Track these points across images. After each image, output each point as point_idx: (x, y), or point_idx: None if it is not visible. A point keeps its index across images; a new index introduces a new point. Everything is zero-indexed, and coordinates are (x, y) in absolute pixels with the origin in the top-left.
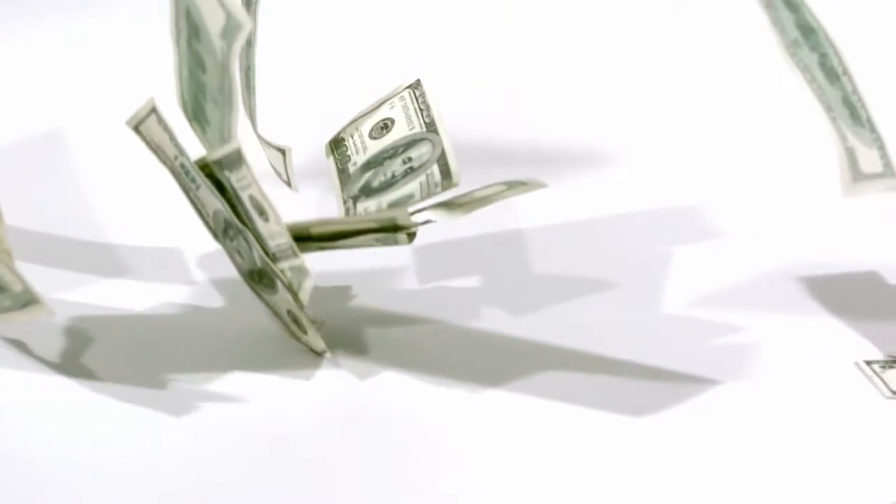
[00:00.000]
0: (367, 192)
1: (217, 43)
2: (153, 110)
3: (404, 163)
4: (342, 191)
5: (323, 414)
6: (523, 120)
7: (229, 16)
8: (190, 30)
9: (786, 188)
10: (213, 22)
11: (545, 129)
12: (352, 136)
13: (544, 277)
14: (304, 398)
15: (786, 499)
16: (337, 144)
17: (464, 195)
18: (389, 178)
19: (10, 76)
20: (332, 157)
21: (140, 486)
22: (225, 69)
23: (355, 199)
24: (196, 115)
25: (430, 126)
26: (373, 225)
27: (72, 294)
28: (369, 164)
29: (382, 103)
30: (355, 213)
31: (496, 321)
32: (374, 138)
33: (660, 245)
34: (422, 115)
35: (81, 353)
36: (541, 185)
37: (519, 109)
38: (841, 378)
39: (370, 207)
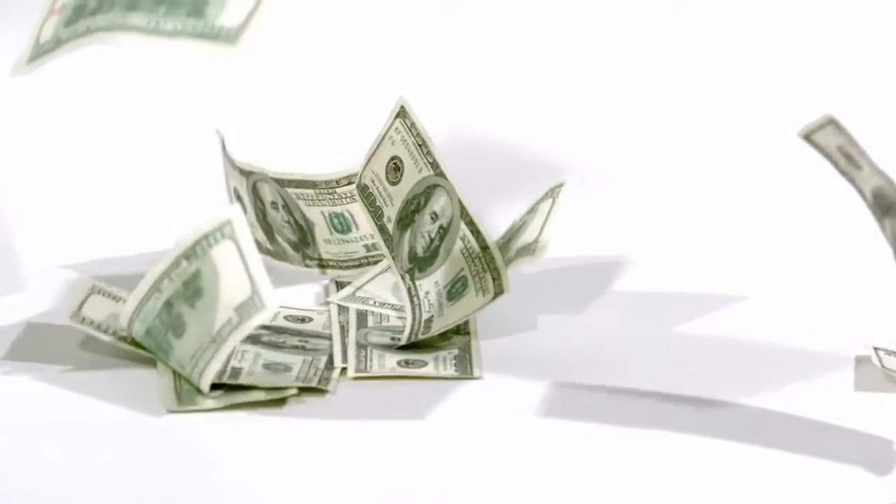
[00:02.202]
0: (418, 263)
1: (225, 313)
2: (91, 290)
3: (433, 219)
4: (393, 260)
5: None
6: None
7: (255, 294)
8: (182, 292)
9: (782, 191)
10: (233, 292)
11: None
12: (373, 182)
13: (538, 291)
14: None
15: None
16: (364, 192)
17: (521, 225)
18: (429, 242)
19: None
20: (365, 208)
21: None
22: (222, 341)
23: (411, 274)
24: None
25: (435, 167)
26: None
27: None
28: (403, 221)
29: (382, 139)
30: (416, 293)
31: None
32: (392, 183)
33: (660, 252)
34: (422, 151)
35: None
36: (572, 182)
37: (510, 119)
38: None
39: (430, 294)
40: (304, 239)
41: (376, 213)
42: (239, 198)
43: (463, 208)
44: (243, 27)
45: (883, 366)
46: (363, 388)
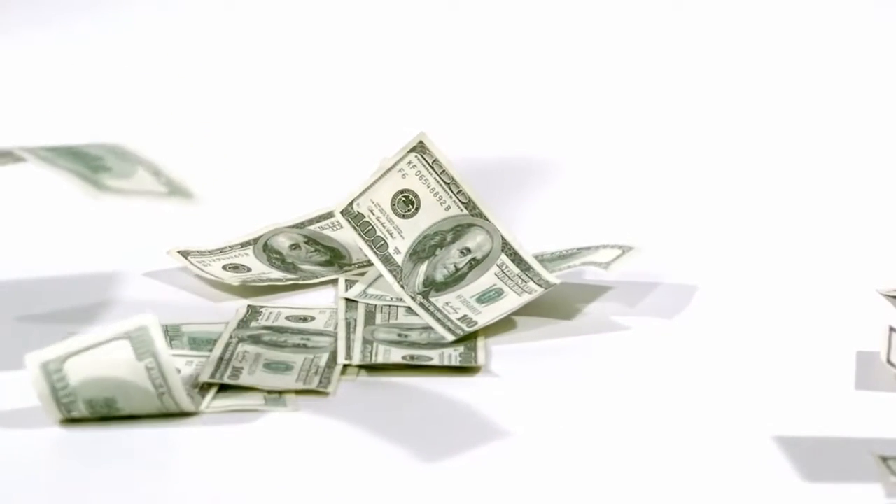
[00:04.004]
0: (436, 286)
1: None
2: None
3: (462, 254)
4: (402, 287)
5: None
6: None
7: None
8: (95, 411)
9: (784, 189)
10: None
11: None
12: (372, 212)
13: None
14: None
15: None
16: (357, 219)
17: (573, 253)
18: (453, 271)
19: None
20: (359, 236)
21: None
22: (170, 390)
23: (425, 294)
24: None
25: (471, 207)
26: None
27: None
28: (417, 254)
29: (390, 170)
30: (431, 305)
31: None
32: (402, 216)
33: (663, 252)
34: (451, 189)
35: None
36: (642, 251)
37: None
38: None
39: (452, 303)
40: (337, 254)
41: (376, 243)
42: (235, 268)
43: (506, 243)
44: (116, 193)
45: (889, 360)
46: (366, 388)
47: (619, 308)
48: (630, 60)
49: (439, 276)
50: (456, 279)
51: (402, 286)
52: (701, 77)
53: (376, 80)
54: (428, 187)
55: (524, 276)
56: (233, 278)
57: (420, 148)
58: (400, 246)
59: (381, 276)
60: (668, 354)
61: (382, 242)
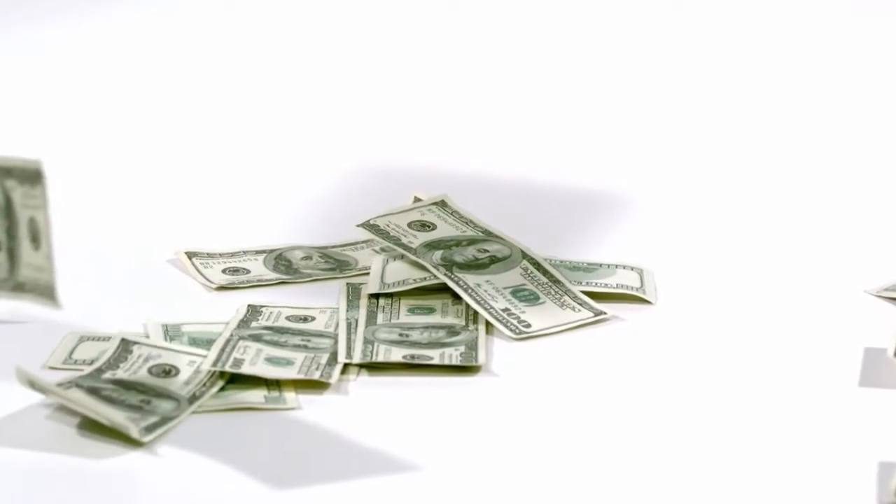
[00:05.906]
0: (457, 265)
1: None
2: (80, 340)
3: (480, 252)
4: (419, 257)
5: None
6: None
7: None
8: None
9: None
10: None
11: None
12: (388, 226)
13: None
14: None
15: None
16: (374, 228)
17: (594, 268)
18: (472, 259)
19: None
20: (376, 238)
21: None
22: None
23: (447, 267)
24: None
25: (488, 233)
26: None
27: None
28: (432, 245)
29: (411, 209)
30: (461, 281)
31: None
32: (418, 230)
33: (663, 252)
34: (470, 225)
35: None
36: (650, 272)
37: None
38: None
39: (483, 286)
40: (345, 265)
41: (392, 240)
42: (235, 270)
43: (525, 253)
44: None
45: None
46: (366, 388)
47: (620, 307)
48: (627, 69)
49: (459, 259)
50: (478, 265)
51: (415, 255)
52: (699, 80)
53: (400, 102)
54: (445, 222)
55: (556, 289)
56: (221, 280)
57: (442, 204)
58: (413, 241)
59: (388, 262)
60: (671, 353)
61: (398, 239)
